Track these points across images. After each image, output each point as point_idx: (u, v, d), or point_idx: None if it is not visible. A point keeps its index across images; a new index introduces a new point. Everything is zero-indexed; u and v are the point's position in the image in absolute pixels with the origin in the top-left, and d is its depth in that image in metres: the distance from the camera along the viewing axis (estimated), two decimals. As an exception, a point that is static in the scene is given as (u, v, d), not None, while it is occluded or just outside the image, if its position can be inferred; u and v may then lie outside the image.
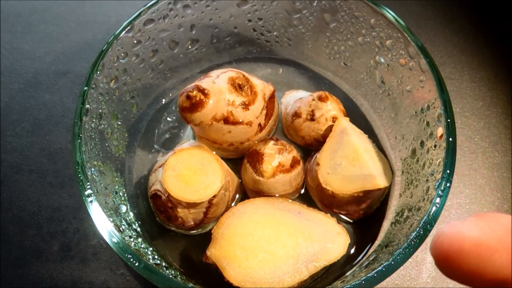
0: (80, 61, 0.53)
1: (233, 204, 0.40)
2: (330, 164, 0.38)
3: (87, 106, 0.35)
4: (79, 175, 0.32)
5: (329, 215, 0.37)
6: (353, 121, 0.40)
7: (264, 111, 0.40)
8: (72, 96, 0.50)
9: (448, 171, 0.31)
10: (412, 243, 0.30)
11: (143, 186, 0.42)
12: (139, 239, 0.36)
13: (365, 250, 0.38)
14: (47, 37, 0.55)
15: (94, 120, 0.36)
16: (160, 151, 0.45)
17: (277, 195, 0.39)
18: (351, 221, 0.40)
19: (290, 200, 0.38)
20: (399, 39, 0.38)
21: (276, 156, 0.38)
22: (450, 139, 0.32)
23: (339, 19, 0.42)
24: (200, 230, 0.40)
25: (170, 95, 0.47)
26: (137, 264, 0.30)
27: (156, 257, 0.36)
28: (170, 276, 0.31)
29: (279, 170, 0.38)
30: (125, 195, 0.40)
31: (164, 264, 0.36)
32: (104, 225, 0.31)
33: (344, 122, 0.39)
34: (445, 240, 0.16)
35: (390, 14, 0.38)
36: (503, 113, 0.48)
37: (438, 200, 0.30)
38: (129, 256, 0.30)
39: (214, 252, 0.34)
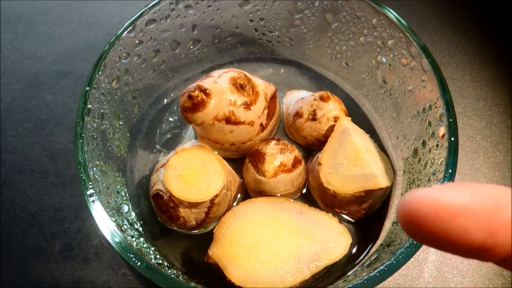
0: (81, 61, 0.53)
1: (234, 204, 0.40)
2: (331, 164, 0.38)
3: (89, 106, 0.35)
4: (81, 175, 0.32)
5: (330, 214, 0.37)
6: (355, 121, 0.40)
7: (266, 111, 0.40)
8: (74, 97, 0.51)
9: (450, 171, 0.31)
10: (414, 242, 0.29)
11: (145, 186, 0.42)
12: (141, 239, 0.36)
13: (366, 249, 0.38)
14: (48, 37, 0.55)
15: (96, 120, 0.36)
16: (162, 151, 0.45)
17: (278, 195, 0.39)
18: (353, 220, 0.40)
19: (292, 200, 0.38)
20: (401, 39, 0.38)
21: (277, 156, 0.38)
22: (452, 139, 0.32)
23: (341, 19, 0.42)
24: (202, 230, 0.40)
25: (172, 95, 0.47)
26: (139, 263, 0.30)
27: (158, 256, 0.36)
28: (172, 276, 0.31)
29: (280, 170, 0.38)
30: (127, 195, 0.40)
31: (166, 263, 0.36)
32: (106, 225, 0.31)
33: (346, 122, 0.39)
34: (407, 200, 0.15)
35: (392, 14, 0.38)
36: (504, 113, 0.48)
37: (440, 199, 0.30)
38: (131, 255, 0.30)
39: (216, 252, 0.34)
